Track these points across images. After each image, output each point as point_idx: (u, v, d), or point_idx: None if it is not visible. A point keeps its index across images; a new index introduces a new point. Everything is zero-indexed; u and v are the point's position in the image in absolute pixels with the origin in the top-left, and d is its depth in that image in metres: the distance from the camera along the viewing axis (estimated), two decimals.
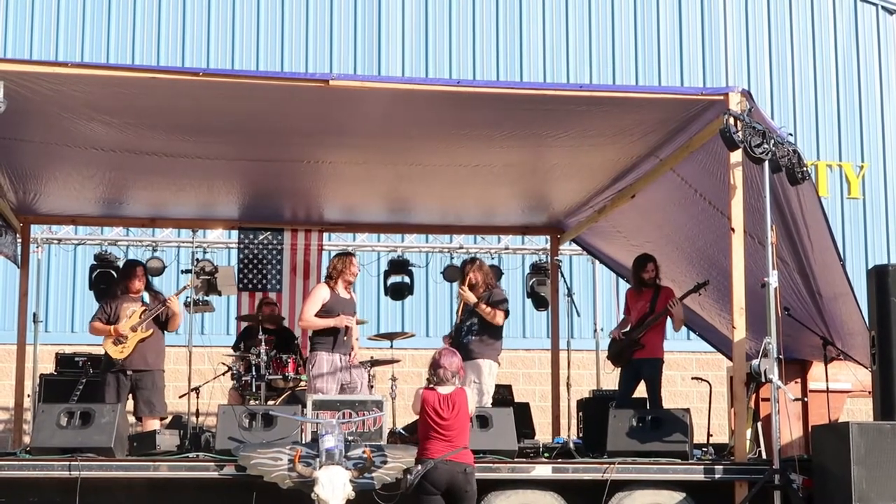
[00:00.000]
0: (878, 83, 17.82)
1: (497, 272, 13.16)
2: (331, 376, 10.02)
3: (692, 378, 12.61)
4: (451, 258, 14.78)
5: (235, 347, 12.28)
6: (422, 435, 8.11)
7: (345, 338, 10.14)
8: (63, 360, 12.91)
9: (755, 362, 8.61)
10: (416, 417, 8.46)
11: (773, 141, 8.74)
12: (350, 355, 10.17)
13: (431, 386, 8.17)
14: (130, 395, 10.61)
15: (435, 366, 8.20)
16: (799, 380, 10.70)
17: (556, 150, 10.34)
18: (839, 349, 10.53)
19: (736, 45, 17.65)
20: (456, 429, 8.02)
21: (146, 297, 10.96)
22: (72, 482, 8.49)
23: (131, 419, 10.49)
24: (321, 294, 10.22)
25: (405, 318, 16.15)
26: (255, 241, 13.34)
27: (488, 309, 10.44)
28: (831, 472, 8.59)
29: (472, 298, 10.50)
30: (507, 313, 10.58)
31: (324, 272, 11.21)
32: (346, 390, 10.03)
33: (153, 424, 10.39)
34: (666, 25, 17.59)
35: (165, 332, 10.94)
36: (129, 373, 10.51)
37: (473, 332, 10.46)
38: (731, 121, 8.66)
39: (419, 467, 7.92)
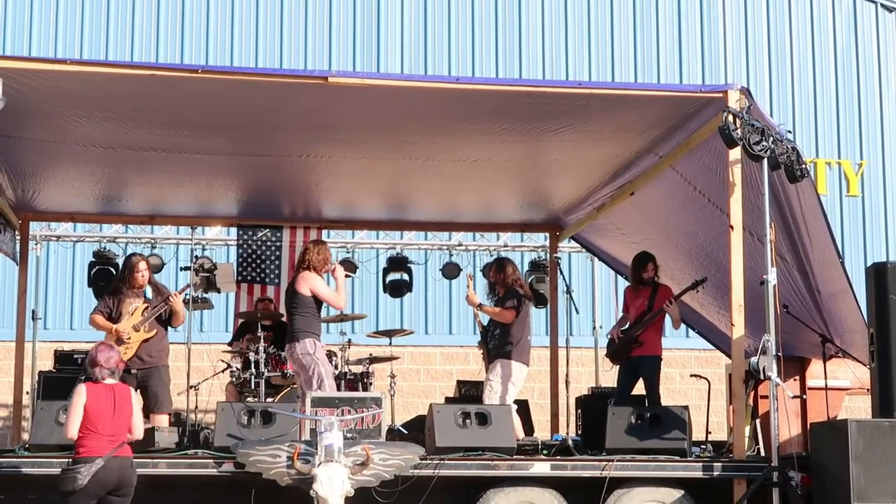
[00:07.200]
0: (877, 80, 17.79)
1: None
2: (329, 364, 10.07)
3: (691, 375, 12.61)
4: (451, 255, 14.77)
5: (232, 344, 12.26)
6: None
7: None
8: (62, 357, 12.86)
9: (754, 360, 8.61)
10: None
11: (771, 138, 8.74)
12: None
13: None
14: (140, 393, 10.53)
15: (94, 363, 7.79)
16: (798, 377, 10.69)
17: (554, 145, 10.34)
18: (838, 346, 10.52)
19: (735, 43, 17.63)
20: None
21: (149, 291, 10.89)
22: None
23: None
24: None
25: (404, 315, 16.12)
26: (254, 238, 13.33)
27: (489, 308, 10.73)
28: (830, 470, 8.59)
29: (474, 301, 10.83)
30: (516, 311, 10.65)
31: None
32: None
33: (161, 420, 10.26)
34: (665, 22, 17.56)
35: (168, 327, 10.89)
36: (133, 371, 10.46)
37: (496, 335, 10.73)
38: (730, 118, 8.66)
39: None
